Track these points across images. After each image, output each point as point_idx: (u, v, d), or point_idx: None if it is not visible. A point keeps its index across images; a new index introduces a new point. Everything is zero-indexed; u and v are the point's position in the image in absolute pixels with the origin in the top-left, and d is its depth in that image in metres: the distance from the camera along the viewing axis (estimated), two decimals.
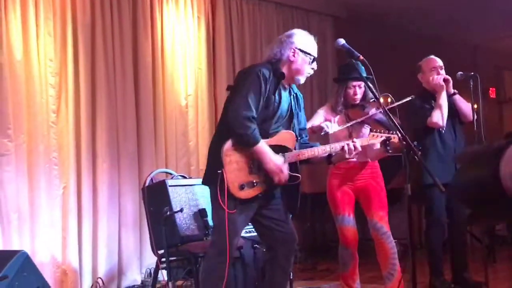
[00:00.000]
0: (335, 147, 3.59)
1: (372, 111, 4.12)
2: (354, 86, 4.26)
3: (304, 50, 3.52)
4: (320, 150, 3.57)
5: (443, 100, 4.69)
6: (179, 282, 5.00)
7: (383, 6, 7.99)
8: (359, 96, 4.28)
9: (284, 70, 3.50)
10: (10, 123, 4.92)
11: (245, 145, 3.36)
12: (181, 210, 4.37)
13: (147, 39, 5.96)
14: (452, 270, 4.93)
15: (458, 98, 4.83)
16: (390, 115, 3.34)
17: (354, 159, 4.12)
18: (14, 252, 4.14)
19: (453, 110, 4.79)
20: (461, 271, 4.87)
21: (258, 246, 4.53)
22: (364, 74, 3.77)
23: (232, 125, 3.35)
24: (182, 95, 6.26)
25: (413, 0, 7.80)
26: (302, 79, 3.56)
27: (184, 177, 4.85)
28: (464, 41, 9.54)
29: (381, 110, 3.92)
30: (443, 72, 4.81)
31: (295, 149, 3.53)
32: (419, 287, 3.10)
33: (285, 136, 3.51)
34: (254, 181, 3.41)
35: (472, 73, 4.67)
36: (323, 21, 7.99)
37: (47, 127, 5.21)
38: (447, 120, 4.75)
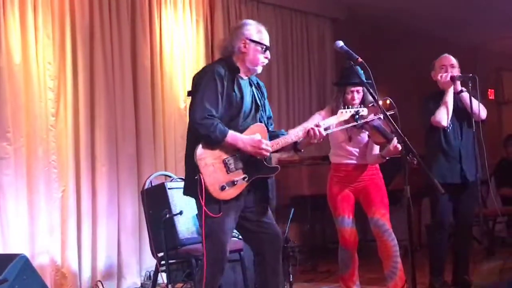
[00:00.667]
0: (304, 132, 3.56)
1: (370, 116, 4.10)
2: (352, 92, 4.27)
3: (255, 39, 3.50)
4: (293, 137, 3.55)
5: (449, 98, 4.63)
6: (178, 285, 4.98)
7: (382, 7, 7.98)
8: (357, 101, 4.27)
9: (239, 63, 3.49)
10: (9, 126, 4.91)
11: (216, 143, 3.32)
12: (181, 213, 4.37)
13: (145, 42, 5.95)
14: (453, 272, 4.92)
15: (465, 96, 4.63)
16: (390, 118, 3.34)
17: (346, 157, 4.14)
18: (14, 256, 4.12)
19: (460, 108, 4.68)
20: (462, 273, 4.84)
21: None
22: (364, 78, 3.76)
23: (195, 131, 3.34)
24: (181, 97, 6.25)
25: (412, 2, 7.80)
26: (258, 69, 3.55)
27: (183, 180, 4.83)
28: (464, 42, 9.53)
29: (379, 116, 3.94)
30: (455, 70, 4.71)
31: (268, 140, 3.49)
32: None
33: (256, 129, 3.48)
34: (234, 179, 3.36)
35: (471, 75, 4.61)
36: (321, 23, 8.00)
37: (46, 130, 5.20)
38: (454, 119, 4.68)
